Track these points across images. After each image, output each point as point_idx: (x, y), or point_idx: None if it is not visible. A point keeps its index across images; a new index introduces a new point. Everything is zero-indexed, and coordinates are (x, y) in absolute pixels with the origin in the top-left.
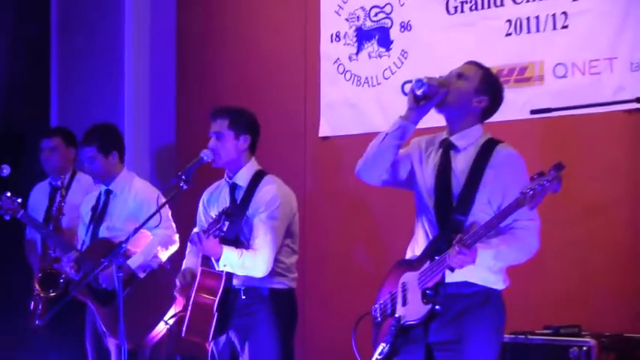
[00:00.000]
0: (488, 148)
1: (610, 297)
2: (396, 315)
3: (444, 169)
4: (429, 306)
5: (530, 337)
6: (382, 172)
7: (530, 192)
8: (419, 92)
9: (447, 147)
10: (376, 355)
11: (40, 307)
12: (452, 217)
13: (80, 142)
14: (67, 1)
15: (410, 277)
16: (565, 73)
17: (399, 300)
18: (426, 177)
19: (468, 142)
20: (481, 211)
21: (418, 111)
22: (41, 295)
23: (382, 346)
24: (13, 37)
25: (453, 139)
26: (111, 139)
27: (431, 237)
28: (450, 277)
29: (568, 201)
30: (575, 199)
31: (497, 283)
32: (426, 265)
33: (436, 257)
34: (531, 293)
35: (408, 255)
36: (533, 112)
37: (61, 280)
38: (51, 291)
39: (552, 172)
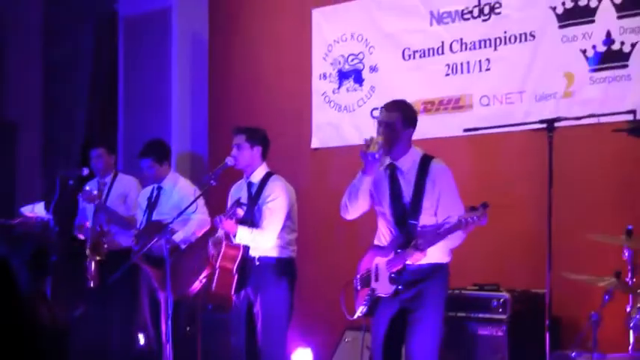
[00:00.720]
0: (424, 164)
1: (519, 264)
2: (371, 287)
3: (394, 186)
4: (394, 286)
5: (463, 291)
6: (363, 207)
7: (464, 221)
8: (377, 156)
9: (393, 170)
10: (357, 314)
11: (92, 271)
12: (407, 222)
13: (139, 154)
14: (130, 45)
15: (380, 261)
16: (488, 102)
17: (373, 276)
18: (382, 194)
19: (409, 163)
20: (426, 215)
21: (374, 166)
22: (92, 259)
23: (361, 308)
24: (93, 75)
25: (397, 163)
26: (163, 152)
27: (393, 234)
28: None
29: (491, 198)
30: (497, 196)
31: (444, 258)
32: (391, 255)
33: (399, 251)
34: (464, 260)
35: (376, 243)
36: (465, 130)
37: (105, 246)
38: (98, 257)
39: (480, 208)
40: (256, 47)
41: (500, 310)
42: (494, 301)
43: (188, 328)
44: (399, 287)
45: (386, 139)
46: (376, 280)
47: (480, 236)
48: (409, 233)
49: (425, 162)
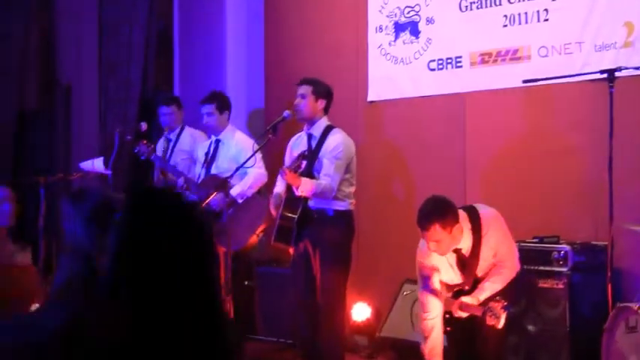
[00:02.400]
0: (476, 231)
1: (580, 215)
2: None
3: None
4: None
5: (523, 244)
6: None
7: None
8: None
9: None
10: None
11: None
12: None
13: (201, 100)
14: (185, 3)
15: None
16: (546, 53)
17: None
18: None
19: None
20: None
21: None
22: None
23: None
24: (147, 31)
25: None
26: (225, 101)
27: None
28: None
29: (549, 146)
30: (554, 143)
31: None
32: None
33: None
34: (522, 211)
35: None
36: (524, 81)
37: None
38: None
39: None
40: (312, 0)
41: (561, 262)
42: (555, 254)
43: (246, 282)
44: (448, 328)
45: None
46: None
47: (538, 187)
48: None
49: (477, 233)
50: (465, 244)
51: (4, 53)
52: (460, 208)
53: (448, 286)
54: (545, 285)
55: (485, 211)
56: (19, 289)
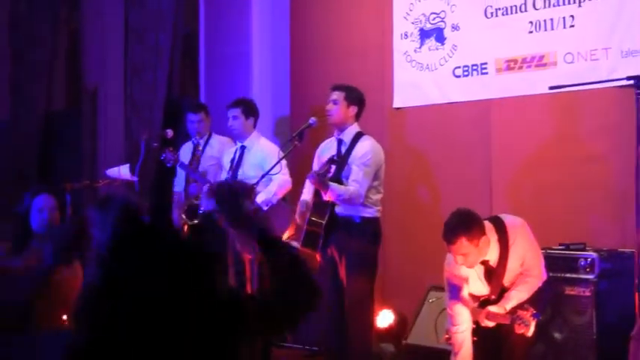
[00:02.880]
0: (503, 237)
1: (606, 222)
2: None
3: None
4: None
5: (549, 251)
6: None
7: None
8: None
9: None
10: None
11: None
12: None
13: (228, 105)
14: (211, 8)
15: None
16: (572, 59)
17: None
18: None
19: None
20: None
21: None
22: (187, 223)
23: None
24: (173, 36)
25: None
26: (251, 107)
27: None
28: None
29: (575, 153)
30: (580, 149)
31: None
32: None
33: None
34: (549, 218)
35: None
36: (551, 87)
37: (200, 211)
38: (195, 220)
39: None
40: (337, 6)
41: (588, 269)
42: (582, 261)
43: None
44: (474, 338)
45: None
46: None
47: (564, 194)
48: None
49: (504, 243)
50: (492, 255)
51: (33, 57)
52: (486, 219)
53: (474, 297)
54: (572, 292)
55: (510, 220)
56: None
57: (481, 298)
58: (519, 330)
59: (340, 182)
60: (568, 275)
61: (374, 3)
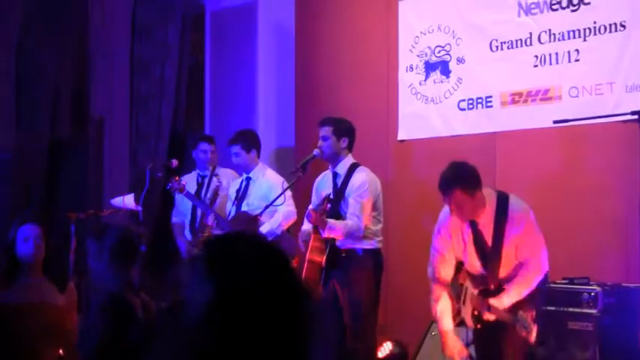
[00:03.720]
0: (502, 206)
1: (610, 256)
2: (458, 306)
3: (476, 237)
4: (473, 324)
5: (553, 285)
6: None
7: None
8: None
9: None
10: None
11: None
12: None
13: (228, 141)
14: (216, 40)
15: (469, 285)
16: (577, 93)
17: (462, 295)
18: (466, 247)
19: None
20: (507, 259)
21: None
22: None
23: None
24: (178, 67)
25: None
26: (251, 140)
27: (478, 274)
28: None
29: (580, 186)
30: (585, 184)
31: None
32: (476, 293)
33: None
34: (553, 252)
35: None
36: (555, 122)
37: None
38: None
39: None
40: (342, 39)
41: (591, 304)
42: (585, 295)
43: None
44: (478, 326)
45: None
46: (463, 302)
47: (568, 227)
48: (492, 277)
49: (502, 205)
50: (485, 220)
51: (38, 87)
52: (496, 190)
53: (474, 283)
54: (575, 327)
55: (515, 200)
56: (47, 328)
57: (480, 287)
58: (522, 333)
59: (339, 215)
60: (571, 309)
61: (379, 35)
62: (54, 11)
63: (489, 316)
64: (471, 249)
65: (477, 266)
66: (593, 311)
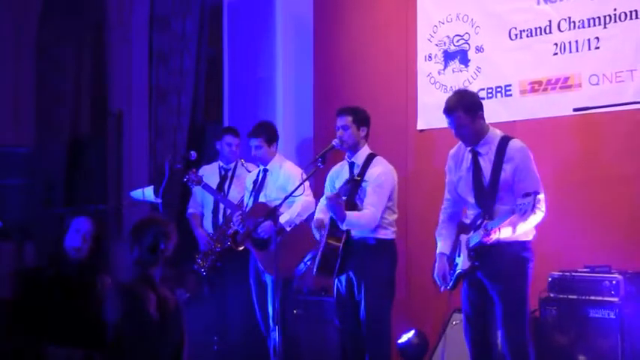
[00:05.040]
0: (502, 145)
1: (632, 244)
2: (455, 262)
3: (476, 170)
4: (470, 262)
5: (574, 274)
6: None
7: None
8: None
9: (474, 154)
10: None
11: (209, 260)
12: (486, 202)
13: (249, 134)
14: (235, 31)
15: (463, 238)
16: (597, 81)
17: (457, 252)
18: (465, 181)
19: (487, 146)
20: (504, 193)
21: None
22: (218, 247)
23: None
24: (197, 59)
25: (477, 148)
26: (273, 133)
27: (475, 212)
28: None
29: (600, 175)
30: (604, 172)
31: (523, 236)
32: (471, 233)
33: (474, 232)
34: (573, 240)
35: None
36: (575, 109)
37: (230, 232)
38: (228, 243)
39: (532, 195)
40: (361, 29)
41: (613, 292)
42: (606, 283)
43: (295, 311)
44: (475, 263)
45: None
46: (459, 255)
47: (589, 216)
48: (487, 213)
49: (503, 143)
50: (487, 156)
51: (58, 81)
52: (503, 133)
53: (467, 231)
54: (597, 315)
55: (517, 141)
56: None
57: (477, 222)
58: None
59: (355, 205)
60: (593, 298)
61: (398, 25)
62: (72, 5)
63: (488, 239)
64: (469, 179)
65: (471, 200)
66: (615, 299)
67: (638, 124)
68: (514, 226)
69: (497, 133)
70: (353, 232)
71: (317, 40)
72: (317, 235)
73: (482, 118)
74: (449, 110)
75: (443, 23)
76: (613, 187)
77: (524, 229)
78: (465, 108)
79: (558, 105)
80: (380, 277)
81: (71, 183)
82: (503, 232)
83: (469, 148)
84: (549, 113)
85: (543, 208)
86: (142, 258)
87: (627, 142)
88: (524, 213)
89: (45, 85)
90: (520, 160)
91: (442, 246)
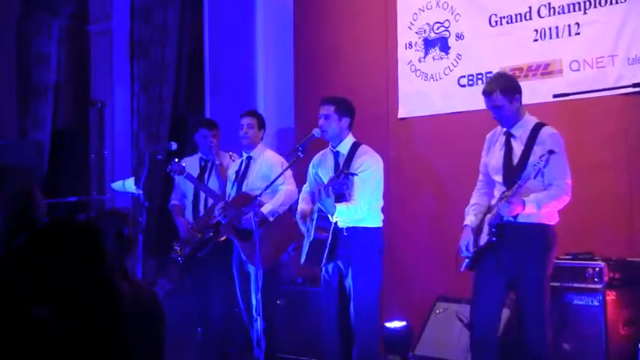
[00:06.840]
0: (536, 130)
1: (614, 231)
2: (476, 240)
3: (507, 151)
4: (489, 237)
5: (556, 261)
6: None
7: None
8: None
9: (508, 136)
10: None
11: (187, 248)
12: (514, 181)
13: (243, 113)
14: (215, 22)
15: (488, 217)
16: (578, 67)
17: (481, 231)
18: (495, 161)
19: (522, 130)
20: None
21: None
22: (199, 236)
23: (466, 261)
24: (178, 50)
25: (512, 130)
26: (263, 121)
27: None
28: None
29: (581, 161)
30: (587, 157)
31: (547, 219)
32: (494, 211)
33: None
34: (558, 230)
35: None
36: (555, 96)
37: (212, 222)
38: (210, 233)
39: (546, 154)
40: (341, 18)
41: (596, 279)
42: (589, 270)
43: (278, 302)
44: (493, 239)
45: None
46: (480, 233)
47: (571, 203)
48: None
49: (537, 128)
50: (519, 139)
51: (40, 73)
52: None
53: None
54: (580, 302)
55: (550, 128)
56: None
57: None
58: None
59: (343, 196)
60: (576, 285)
61: (378, 13)
62: None
63: (509, 213)
64: (500, 159)
65: (498, 179)
66: (598, 287)
67: (619, 110)
68: (539, 203)
69: (532, 119)
70: (340, 223)
71: (297, 29)
72: (303, 228)
73: (519, 101)
74: (487, 91)
75: (423, 11)
76: (595, 172)
77: (551, 209)
78: (502, 89)
79: (539, 91)
80: (369, 265)
81: (53, 174)
82: (528, 208)
83: (504, 130)
84: (530, 100)
85: (570, 193)
86: (112, 249)
87: (609, 127)
88: (538, 172)
89: (26, 77)
90: (550, 144)
91: (469, 219)
